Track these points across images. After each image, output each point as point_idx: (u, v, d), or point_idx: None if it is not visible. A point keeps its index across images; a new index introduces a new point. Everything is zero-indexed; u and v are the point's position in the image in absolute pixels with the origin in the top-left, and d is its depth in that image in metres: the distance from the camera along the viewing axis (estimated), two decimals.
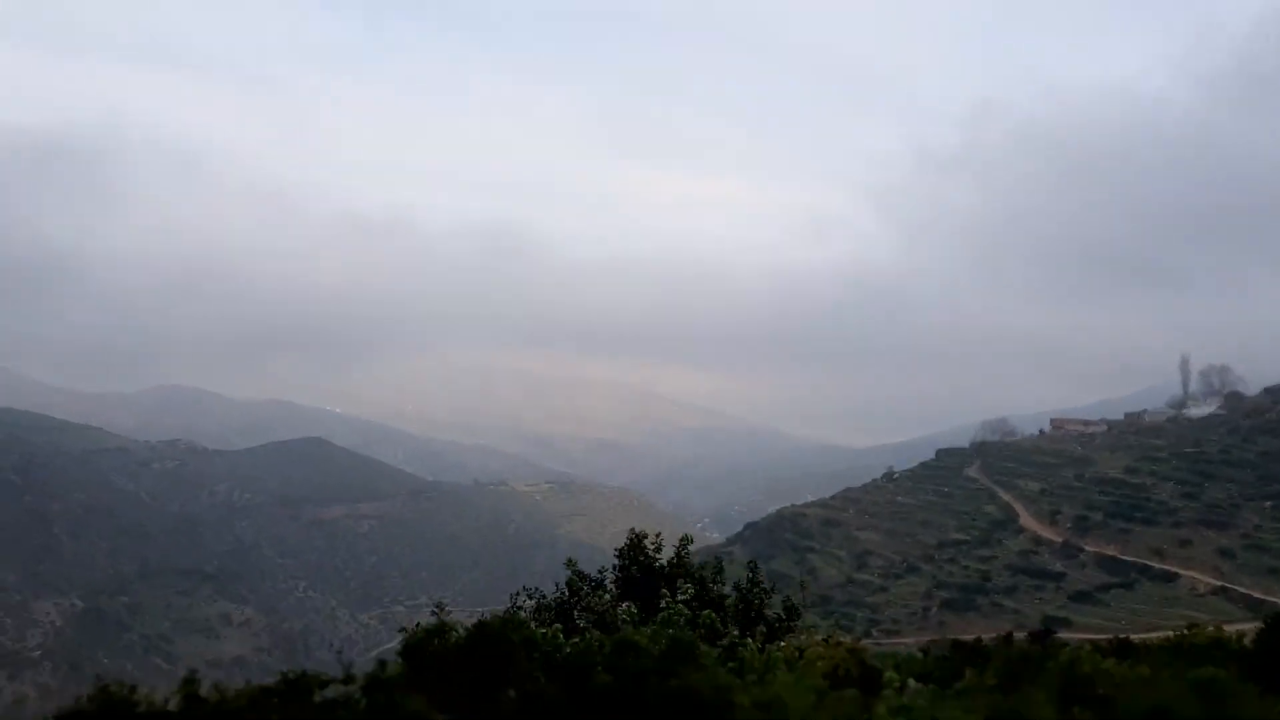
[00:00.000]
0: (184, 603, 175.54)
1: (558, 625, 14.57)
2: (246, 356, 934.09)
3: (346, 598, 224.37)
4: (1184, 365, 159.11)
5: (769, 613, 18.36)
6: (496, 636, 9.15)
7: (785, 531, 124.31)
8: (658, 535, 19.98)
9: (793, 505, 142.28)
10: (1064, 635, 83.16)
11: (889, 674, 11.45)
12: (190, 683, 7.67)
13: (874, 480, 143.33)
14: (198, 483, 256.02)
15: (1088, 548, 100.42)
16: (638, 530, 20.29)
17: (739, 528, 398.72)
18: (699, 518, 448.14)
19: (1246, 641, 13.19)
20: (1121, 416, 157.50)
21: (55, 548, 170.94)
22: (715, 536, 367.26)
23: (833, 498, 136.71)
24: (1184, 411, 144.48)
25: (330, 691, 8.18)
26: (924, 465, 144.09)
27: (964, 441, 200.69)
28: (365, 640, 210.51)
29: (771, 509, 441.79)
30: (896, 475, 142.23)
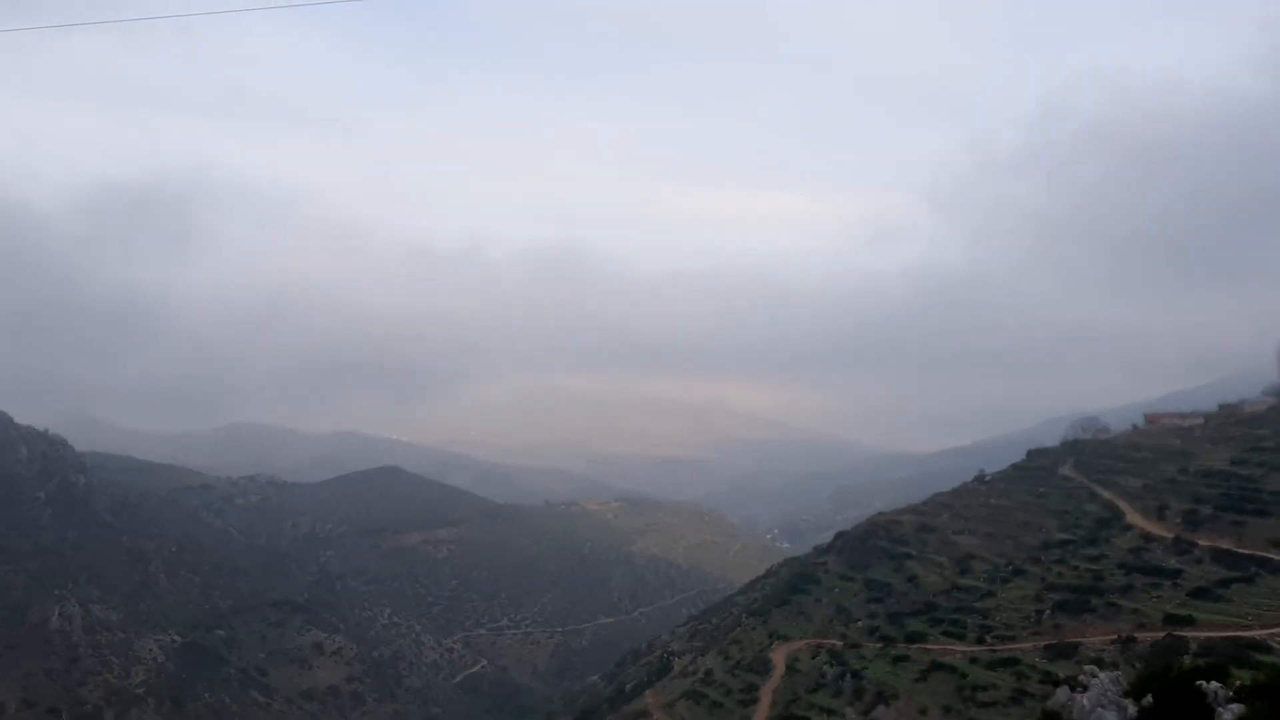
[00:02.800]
0: (277, 634, 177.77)
1: None
2: (315, 391, 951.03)
3: (430, 623, 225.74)
4: None
5: None
6: None
7: (879, 539, 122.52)
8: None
9: (883, 512, 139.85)
10: (1189, 634, 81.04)
11: None
12: None
13: (965, 483, 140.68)
14: (280, 516, 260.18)
15: (1201, 542, 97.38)
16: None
17: (809, 538, 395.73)
18: (768, 529, 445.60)
19: None
20: (1198, 408, 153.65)
21: (153, 585, 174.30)
22: (786, 547, 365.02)
23: (924, 503, 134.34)
24: None
25: None
26: (1016, 466, 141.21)
27: (1037, 441, 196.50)
28: (450, 665, 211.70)
29: (840, 518, 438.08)
30: (988, 477, 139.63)
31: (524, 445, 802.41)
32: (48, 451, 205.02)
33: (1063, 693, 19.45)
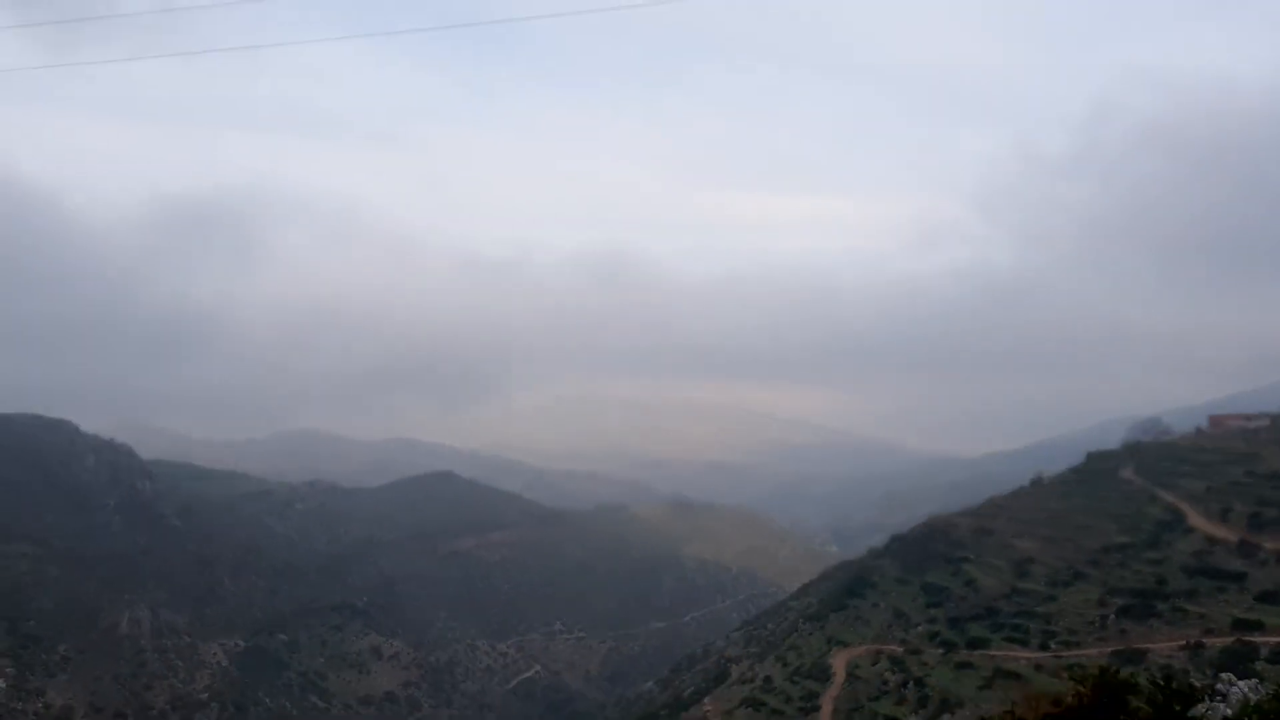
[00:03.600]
0: (336, 638, 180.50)
1: None
2: (368, 398, 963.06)
3: (485, 627, 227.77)
4: None
5: None
6: None
7: (936, 543, 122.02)
8: None
9: (938, 515, 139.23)
10: (1259, 639, 79.99)
11: None
12: None
13: (1022, 486, 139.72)
14: (338, 521, 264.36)
15: (1267, 545, 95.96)
16: None
17: (859, 542, 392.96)
18: (817, 533, 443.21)
19: None
20: (1264, 408, 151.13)
21: (218, 589, 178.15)
22: (835, 551, 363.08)
23: (981, 506, 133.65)
24: None
25: None
26: (1074, 469, 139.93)
27: (1089, 443, 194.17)
28: (504, 670, 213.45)
29: (890, 521, 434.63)
30: (1045, 480, 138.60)
31: (571, 450, 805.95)
32: (114, 459, 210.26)
33: (1203, 705, 19.75)
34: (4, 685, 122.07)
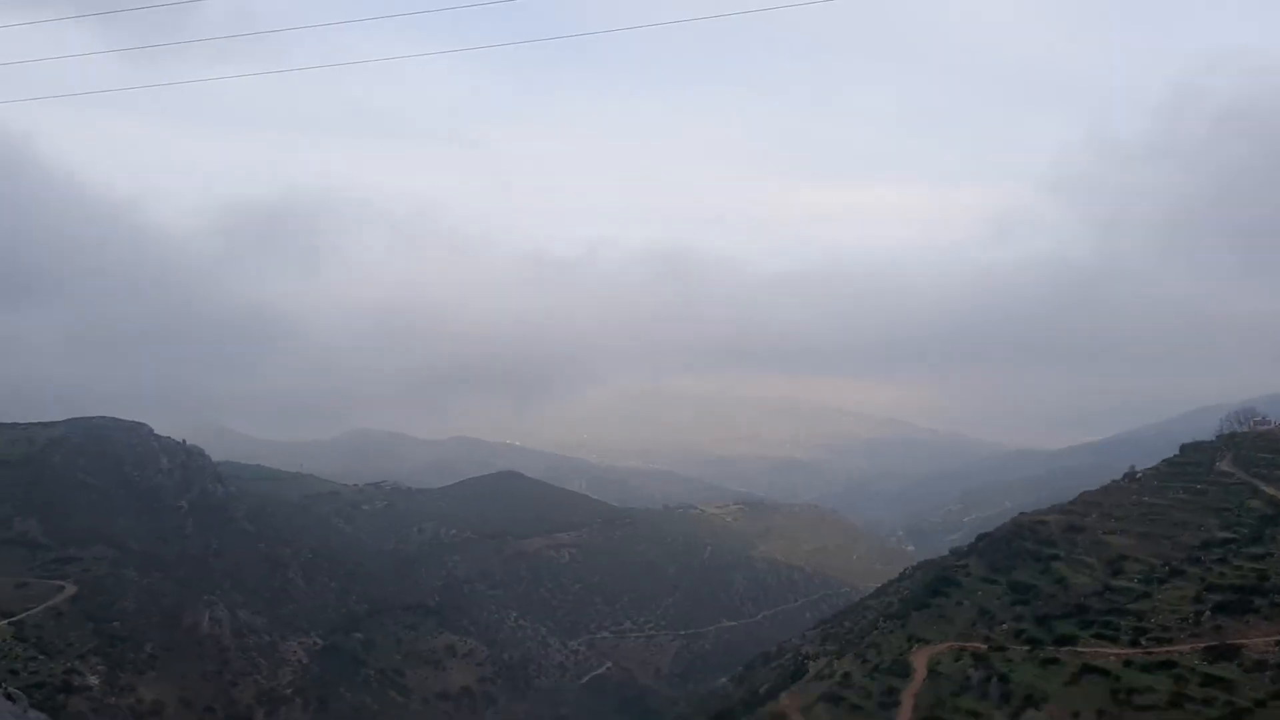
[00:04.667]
0: (411, 636, 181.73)
1: None
2: (433, 398, 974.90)
3: (555, 626, 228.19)
4: None
5: None
6: None
7: (1024, 540, 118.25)
8: None
9: (1025, 513, 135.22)
10: None
11: None
12: None
13: (1114, 481, 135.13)
14: (406, 521, 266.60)
15: None
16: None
17: (935, 540, 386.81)
18: (891, 531, 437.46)
19: None
20: None
21: (292, 590, 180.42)
22: (911, 549, 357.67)
23: (1071, 502, 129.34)
24: None
25: None
26: (1168, 462, 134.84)
27: (1175, 434, 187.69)
28: (576, 667, 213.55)
29: (968, 518, 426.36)
30: (1139, 474, 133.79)
31: (637, 448, 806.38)
32: (187, 461, 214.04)
33: None
34: (97, 682, 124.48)
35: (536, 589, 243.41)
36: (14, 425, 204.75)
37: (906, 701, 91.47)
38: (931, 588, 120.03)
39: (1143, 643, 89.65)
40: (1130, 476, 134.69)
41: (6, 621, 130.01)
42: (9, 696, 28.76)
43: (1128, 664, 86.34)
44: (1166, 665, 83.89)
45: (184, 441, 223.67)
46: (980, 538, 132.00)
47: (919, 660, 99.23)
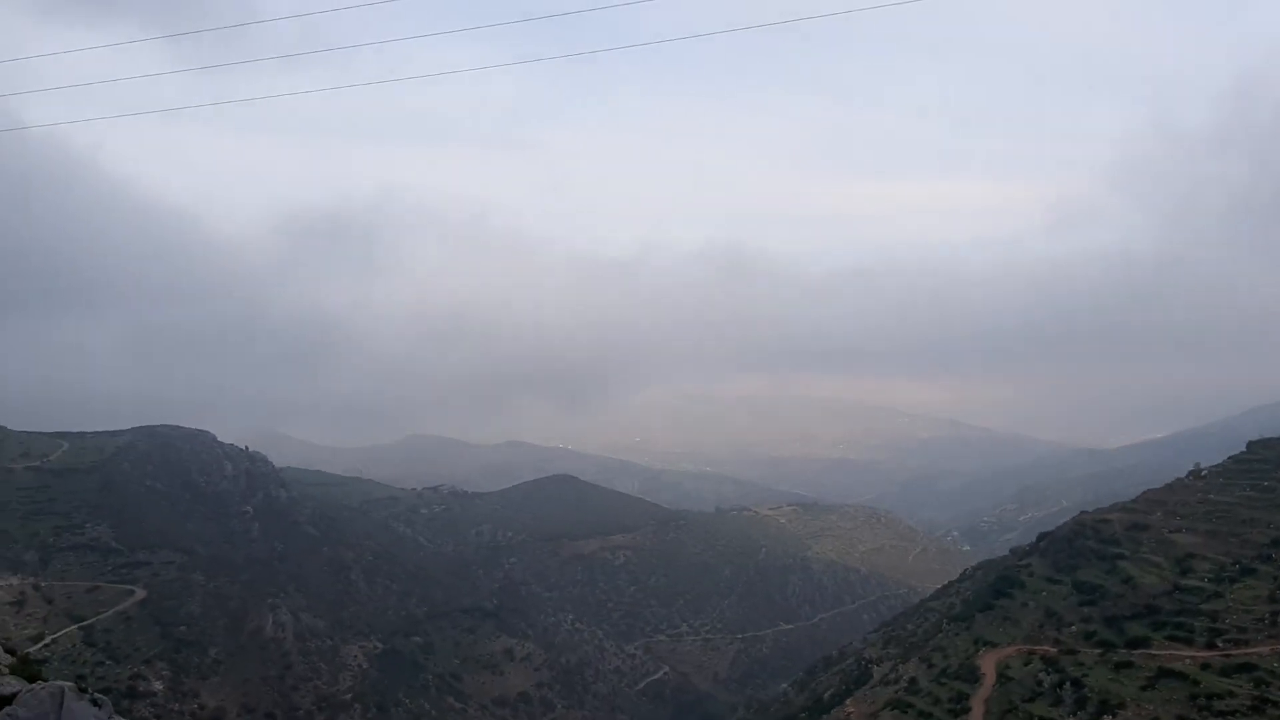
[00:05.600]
0: (469, 640, 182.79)
1: None
2: (486, 402, 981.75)
3: (611, 629, 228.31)
4: None
5: None
6: None
7: (1088, 539, 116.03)
8: None
9: (1088, 511, 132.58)
10: None
11: None
12: None
13: (1179, 479, 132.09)
14: (463, 525, 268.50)
15: None
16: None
17: (992, 540, 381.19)
18: (947, 531, 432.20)
19: None
20: None
21: (353, 593, 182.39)
22: (968, 550, 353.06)
23: (1134, 500, 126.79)
24: None
25: None
26: (1235, 459, 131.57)
27: (1240, 431, 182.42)
28: (633, 672, 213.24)
29: (1025, 517, 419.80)
30: (1204, 472, 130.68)
31: (689, 451, 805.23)
32: (250, 467, 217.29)
33: None
34: (161, 687, 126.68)
35: (592, 591, 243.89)
36: (83, 434, 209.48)
37: (977, 708, 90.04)
38: (995, 588, 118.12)
39: (1219, 644, 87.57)
40: (1195, 474, 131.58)
41: (77, 626, 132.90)
42: (95, 702, 29.12)
43: (1205, 667, 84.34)
44: (1246, 668, 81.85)
45: (246, 448, 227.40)
46: (1041, 537, 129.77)
47: (987, 664, 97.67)
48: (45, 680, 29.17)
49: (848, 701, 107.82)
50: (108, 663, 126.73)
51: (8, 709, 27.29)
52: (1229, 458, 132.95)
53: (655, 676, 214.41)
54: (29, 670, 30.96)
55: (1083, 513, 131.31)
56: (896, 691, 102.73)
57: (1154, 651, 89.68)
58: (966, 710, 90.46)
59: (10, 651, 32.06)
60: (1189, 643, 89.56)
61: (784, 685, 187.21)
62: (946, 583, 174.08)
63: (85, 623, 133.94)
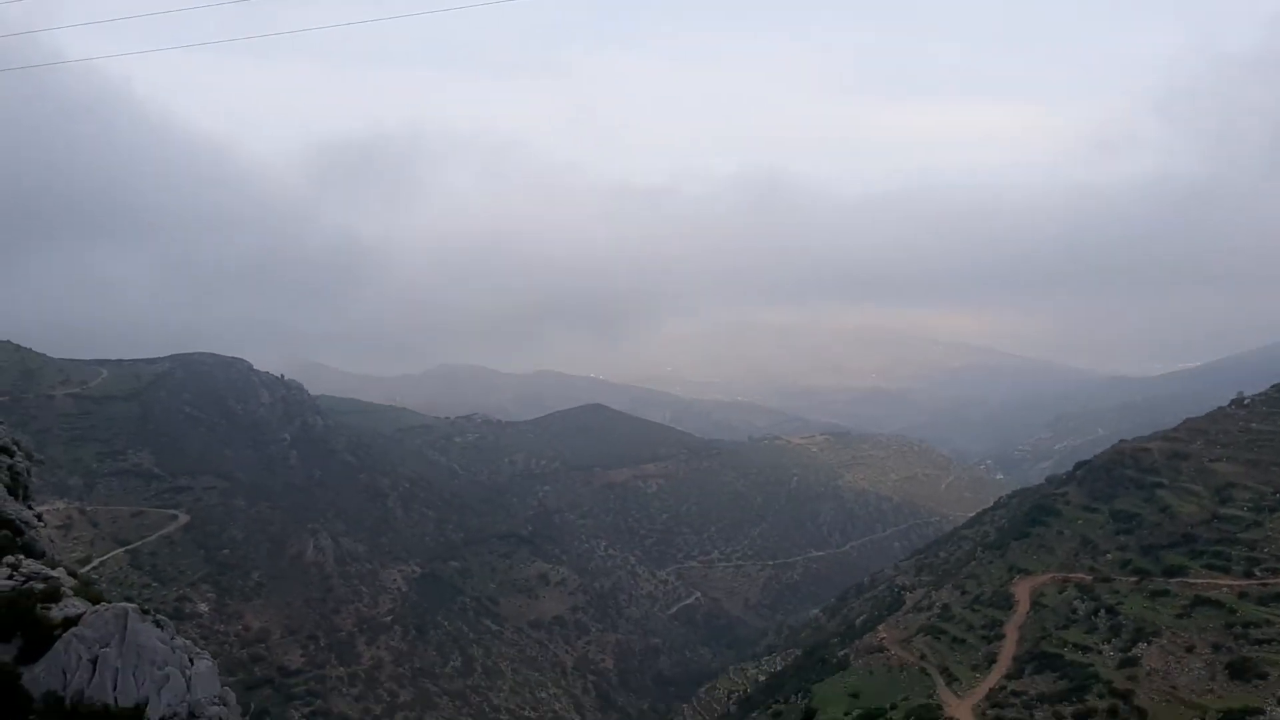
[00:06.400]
0: (505, 565, 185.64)
1: None
2: (516, 332, 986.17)
3: (644, 555, 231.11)
4: None
5: None
6: None
7: (1126, 468, 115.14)
8: None
9: (1127, 440, 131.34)
10: None
11: None
12: None
13: (1221, 408, 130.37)
14: (497, 453, 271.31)
15: None
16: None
17: (1026, 469, 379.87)
18: (980, 460, 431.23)
19: None
20: None
21: (391, 520, 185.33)
22: (1001, 478, 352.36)
23: (1175, 429, 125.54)
24: None
25: None
26: (1278, 387, 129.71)
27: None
28: (665, 597, 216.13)
29: (1060, 446, 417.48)
30: (1247, 400, 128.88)
31: (720, 380, 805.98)
32: (286, 395, 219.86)
33: None
34: (206, 609, 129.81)
35: (624, 519, 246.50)
36: (120, 361, 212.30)
37: (1010, 634, 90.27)
38: (1030, 517, 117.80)
39: (1257, 574, 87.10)
40: (1237, 403, 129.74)
41: (123, 550, 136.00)
42: (158, 624, 29.52)
43: (1242, 595, 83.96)
44: None
45: (282, 376, 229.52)
46: (1079, 465, 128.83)
47: (1021, 592, 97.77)
48: (108, 602, 29.56)
49: (880, 627, 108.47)
50: (154, 585, 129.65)
51: (73, 629, 27.70)
52: (1272, 386, 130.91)
53: (687, 601, 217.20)
54: (91, 593, 31.37)
55: (1121, 441, 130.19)
56: (929, 618, 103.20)
57: (1190, 580, 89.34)
58: (1000, 637, 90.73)
59: (71, 574, 32.48)
60: (1226, 571, 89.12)
61: (815, 611, 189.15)
62: (980, 511, 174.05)
63: (131, 546, 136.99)
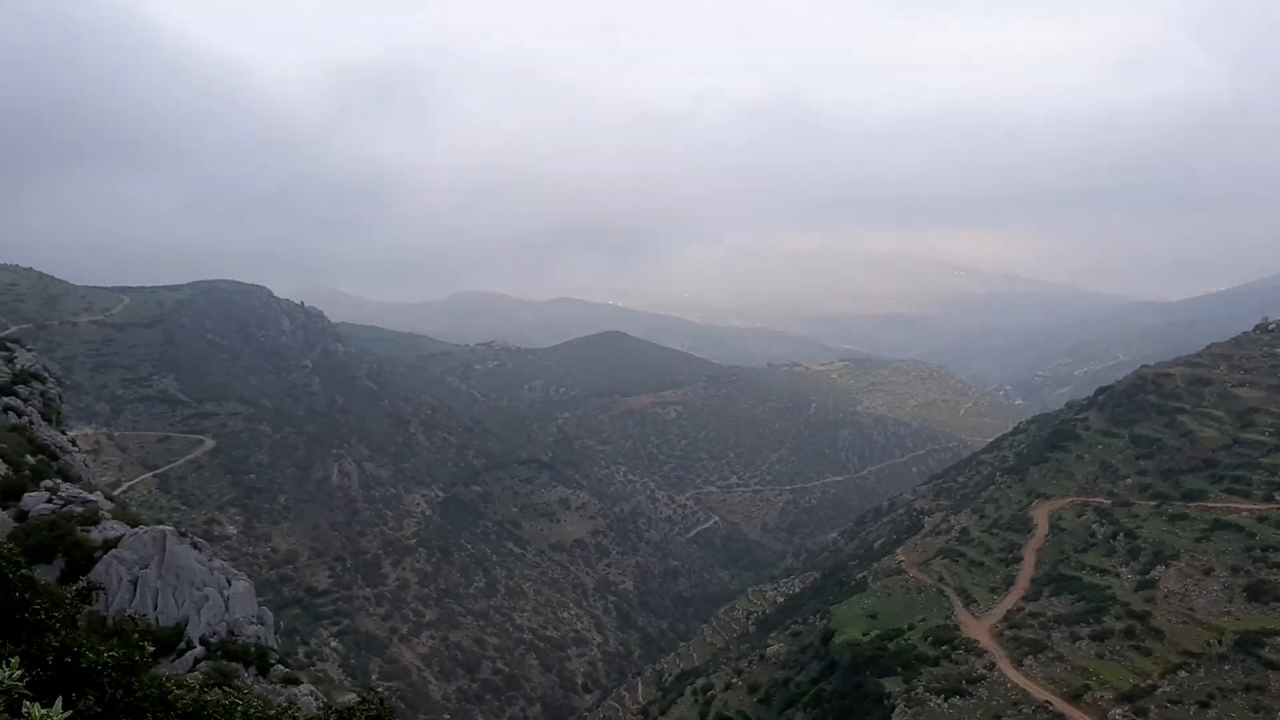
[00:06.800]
0: (527, 489, 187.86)
1: None
2: (535, 259, 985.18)
3: (663, 480, 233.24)
4: None
5: None
6: None
7: (1147, 393, 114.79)
8: None
9: (1148, 365, 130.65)
10: None
11: None
12: None
13: (1245, 333, 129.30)
14: (517, 380, 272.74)
15: None
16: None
17: (1045, 394, 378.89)
18: (999, 386, 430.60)
19: None
20: None
21: (413, 445, 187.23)
22: (1020, 404, 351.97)
23: (1198, 354, 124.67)
24: None
25: None
26: None
27: None
28: (684, 521, 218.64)
29: (1079, 372, 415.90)
30: (1272, 325, 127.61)
31: (739, 307, 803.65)
32: (307, 322, 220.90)
33: None
34: (235, 531, 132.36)
35: (644, 445, 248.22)
36: (142, 288, 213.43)
37: (1028, 557, 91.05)
38: (1050, 442, 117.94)
39: (1277, 498, 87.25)
40: (1262, 328, 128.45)
41: (151, 474, 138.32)
42: (195, 545, 30.14)
43: (1261, 520, 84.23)
44: None
45: (302, 303, 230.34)
46: (1100, 391, 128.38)
47: (1040, 515, 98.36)
48: (146, 525, 30.16)
49: (898, 550, 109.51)
50: (183, 508, 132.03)
51: (113, 551, 28.32)
52: None
53: (706, 525, 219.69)
54: (129, 516, 31.98)
55: (1143, 366, 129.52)
56: (948, 541, 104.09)
57: (1210, 505, 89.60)
58: (1018, 560, 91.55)
59: (109, 498, 33.12)
60: (1246, 496, 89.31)
61: (833, 534, 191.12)
62: (999, 436, 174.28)
63: (158, 471, 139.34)
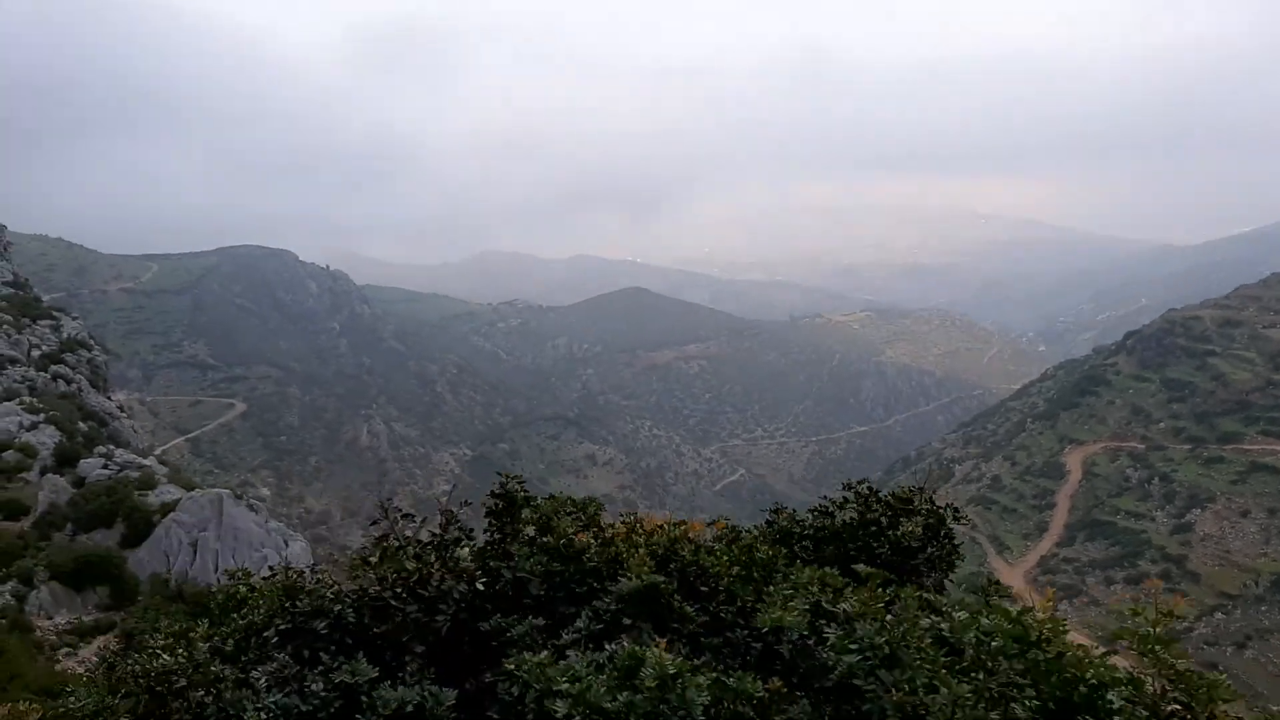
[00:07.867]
0: (553, 446, 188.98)
1: None
2: (554, 217, 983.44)
3: (688, 434, 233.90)
4: None
5: None
6: None
7: (1176, 337, 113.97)
8: None
9: (1176, 309, 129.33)
10: None
11: None
12: None
13: (1275, 273, 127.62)
14: (540, 338, 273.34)
15: None
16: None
17: (1069, 340, 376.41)
18: (1022, 333, 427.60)
19: None
20: None
21: (440, 404, 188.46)
22: (1043, 350, 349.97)
23: (1227, 296, 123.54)
24: None
25: None
26: None
27: None
28: (710, 474, 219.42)
29: (1103, 317, 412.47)
30: None
31: (758, 260, 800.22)
32: (333, 286, 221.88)
33: None
34: (268, 493, 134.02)
35: (668, 399, 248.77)
36: (169, 255, 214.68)
37: (1062, 503, 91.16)
38: (1080, 387, 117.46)
39: None
40: None
41: (184, 438, 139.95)
42: (250, 507, 30.58)
43: None
44: None
45: (328, 266, 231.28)
46: (1129, 335, 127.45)
47: (1072, 461, 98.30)
48: (201, 488, 30.61)
49: None
50: (216, 471, 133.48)
51: (172, 515, 28.79)
52: None
53: (732, 478, 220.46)
54: (184, 479, 32.48)
55: (1171, 310, 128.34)
56: (979, 489, 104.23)
57: (1246, 447, 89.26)
58: (1052, 506, 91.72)
59: (162, 462, 33.69)
60: None
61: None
62: (1026, 383, 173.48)
63: (191, 435, 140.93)
